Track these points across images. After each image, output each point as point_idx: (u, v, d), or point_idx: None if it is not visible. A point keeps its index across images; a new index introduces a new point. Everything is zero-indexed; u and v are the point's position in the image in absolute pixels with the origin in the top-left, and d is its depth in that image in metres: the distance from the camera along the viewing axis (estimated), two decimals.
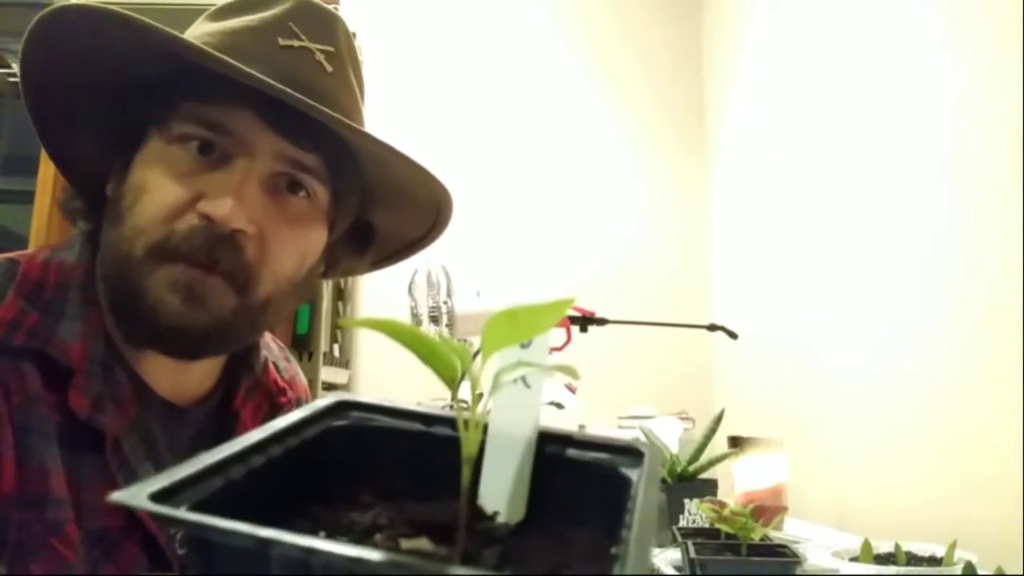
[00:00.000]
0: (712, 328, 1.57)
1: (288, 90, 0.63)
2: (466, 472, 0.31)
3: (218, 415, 0.77)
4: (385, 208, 0.79)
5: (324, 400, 0.38)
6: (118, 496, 0.27)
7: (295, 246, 0.69)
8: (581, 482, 0.34)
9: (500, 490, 0.35)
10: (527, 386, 0.35)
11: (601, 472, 0.35)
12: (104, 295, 0.68)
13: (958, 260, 1.31)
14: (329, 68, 0.70)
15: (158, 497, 0.28)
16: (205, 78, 0.64)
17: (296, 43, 0.69)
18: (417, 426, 0.38)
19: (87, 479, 0.64)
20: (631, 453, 0.35)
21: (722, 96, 2.51)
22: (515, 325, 0.31)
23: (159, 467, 0.69)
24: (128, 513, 0.65)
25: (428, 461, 0.36)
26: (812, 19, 1.89)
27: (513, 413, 0.35)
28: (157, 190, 0.65)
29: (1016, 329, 1.14)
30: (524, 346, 0.35)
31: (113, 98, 0.69)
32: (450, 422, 0.37)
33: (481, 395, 0.32)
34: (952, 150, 1.33)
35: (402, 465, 0.36)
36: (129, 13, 0.62)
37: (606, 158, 2.62)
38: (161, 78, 0.67)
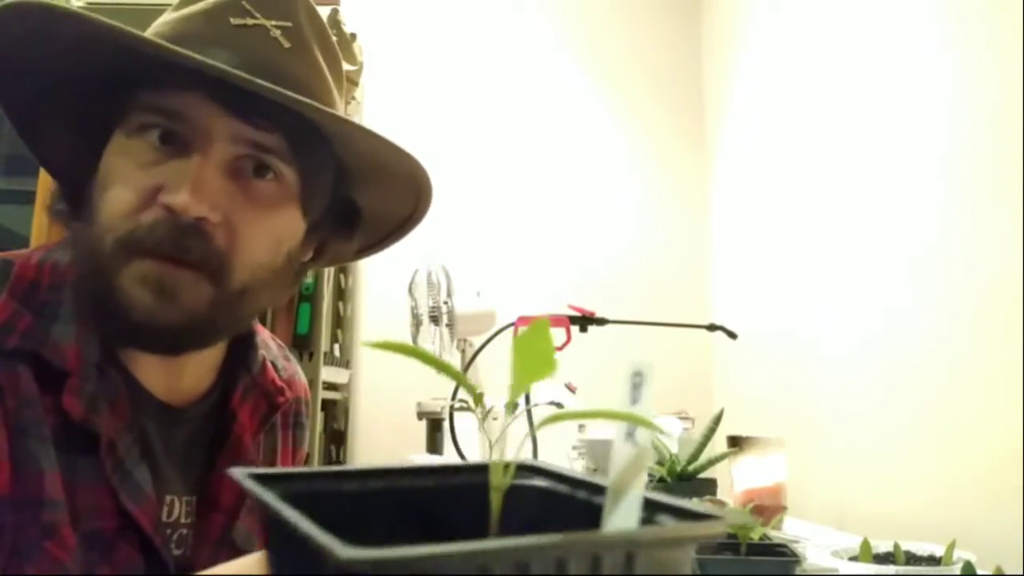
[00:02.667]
0: (712, 328, 1.57)
1: (232, 70, 0.61)
2: (495, 499, 0.34)
3: (215, 415, 0.76)
4: (364, 186, 0.77)
5: (507, 460, 0.36)
6: (232, 471, 0.33)
7: (266, 230, 0.68)
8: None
9: None
10: (636, 443, 0.35)
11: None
12: (78, 294, 0.67)
13: (959, 261, 1.31)
14: (287, 44, 0.68)
15: (258, 478, 0.31)
16: (157, 68, 0.63)
17: (250, 21, 0.67)
18: (563, 488, 0.38)
19: (82, 481, 0.64)
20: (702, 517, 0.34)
21: (722, 95, 2.51)
22: (528, 362, 0.33)
23: (154, 468, 0.69)
24: (123, 515, 0.65)
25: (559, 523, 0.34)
26: (812, 17, 1.89)
27: (625, 469, 0.34)
28: (119, 184, 0.64)
29: (1016, 330, 1.14)
30: (634, 401, 0.35)
31: (78, 97, 0.69)
32: (587, 486, 0.37)
33: (481, 395, 0.33)
34: (952, 149, 1.33)
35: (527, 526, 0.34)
36: (76, 9, 0.62)
37: (606, 158, 2.62)
38: (118, 73, 0.66)
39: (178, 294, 0.64)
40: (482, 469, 0.36)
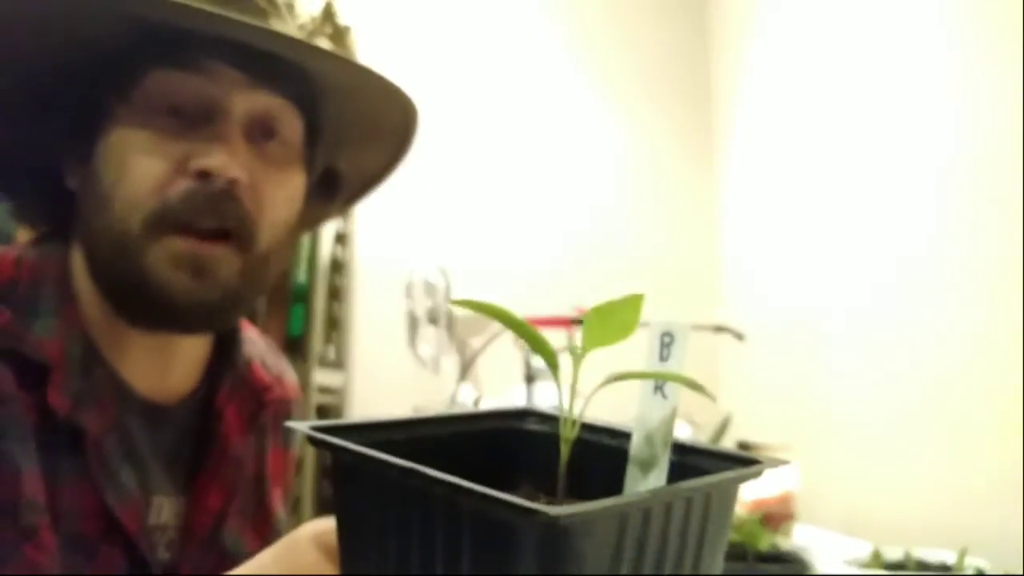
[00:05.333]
0: (718, 330, 1.55)
1: (272, 29, 0.63)
2: (564, 450, 0.37)
3: (200, 414, 0.75)
4: (348, 146, 0.78)
5: (511, 405, 0.45)
6: (292, 424, 0.37)
7: (282, 190, 0.69)
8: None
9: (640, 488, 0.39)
10: (664, 397, 0.38)
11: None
12: (99, 286, 0.66)
13: (975, 266, 1.29)
14: (264, 5, 0.68)
15: (319, 430, 0.35)
16: (162, 38, 0.63)
17: None
18: (586, 435, 0.42)
19: (65, 481, 0.62)
20: (746, 461, 0.40)
21: (730, 95, 2.50)
22: (604, 323, 0.36)
23: (140, 468, 0.67)
24: (108, 516, 0.64)
25: (584, 466, 0.40)
26: (821, 10, 1.88)
27: (652, 421, 0.38)
28: (142, 160, 0.63)
29: None
30: (664, 358, 0.39)
31: (59, 79, 0.66)
32: (609, 432, 0.42)
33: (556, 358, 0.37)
34: (958, 149, 1.32)
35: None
36: None
37: (610, 157, 2.60)
38: (113, 47, 0.64)
39: (214, 270, 0.64)
40: (486, 416, 0.43)
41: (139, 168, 0.63)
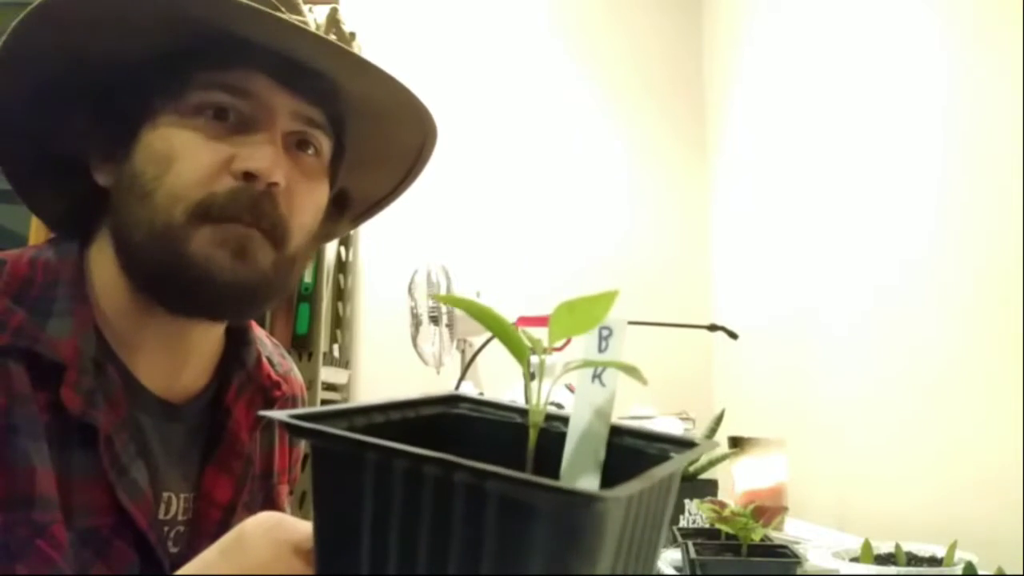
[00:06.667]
0: (712, 328, 1.57)
1: (324, 37, 0.66)
2: (532, 435, 0.40)
3: (211, 412, 0.77)
4: (361, 169, 0.81)
5: (442, 392, 0.47)
6: (265, 413, 0.38)
7: (313, 200, 0.73)
8: (643, 467, 0.38)
9: (577, 472, 0.41)
10: (602, 384, 0.40)
11: (660, 459, 0.42)
12: (135, 277, 0.69)
13: (960, 260, 1.31)
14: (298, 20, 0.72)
15: (296, 417, 0.35)
16: (217, 45, 0.66)
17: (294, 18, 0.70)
18: (517, 418, 0.45)
19: (78, 477, 0.64)
20: (685, 444, 0.43)
21: (722, 94, 2.50)
22: (574, 316, 0.37)
23: (151, 464, 0.69)
24: (119, 512, 0.65)
25: (523, 448, 0.41)
26: (812, 13, 1.89)
27: (590, 407, 0.40)
28: (190, 155, 0.67)
29: (1017, 330, 1.14)
30: (602, 350, 0.41)
31: (108, 80, 0.69)
32: (558, 419, 0.43)
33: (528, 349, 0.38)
34: (948, 146, 1.33)
35: (501, 451, 0.40)
36: None
37: (605, 157, 2.62)
38: (170, 50, 0.68)
39: (254, 254, 0.67)
40: (423, 403, 0.45)
41: (185, 163, 0.66)
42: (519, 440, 0.41)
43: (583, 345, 0.41)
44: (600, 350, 0.41)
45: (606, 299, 0.37)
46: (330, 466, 0.35)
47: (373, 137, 0.78)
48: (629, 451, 0.42)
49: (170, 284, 0.67)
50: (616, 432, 0.43)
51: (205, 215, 0.66)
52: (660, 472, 0.36)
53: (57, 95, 0.70)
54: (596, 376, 0.40)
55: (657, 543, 0.39)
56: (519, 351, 0.39)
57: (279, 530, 0.54)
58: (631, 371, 0.38)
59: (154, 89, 0.69)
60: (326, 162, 0.75)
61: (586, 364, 0.40)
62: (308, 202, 0.72)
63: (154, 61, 0.68)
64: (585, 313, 0.38)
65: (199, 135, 0.67)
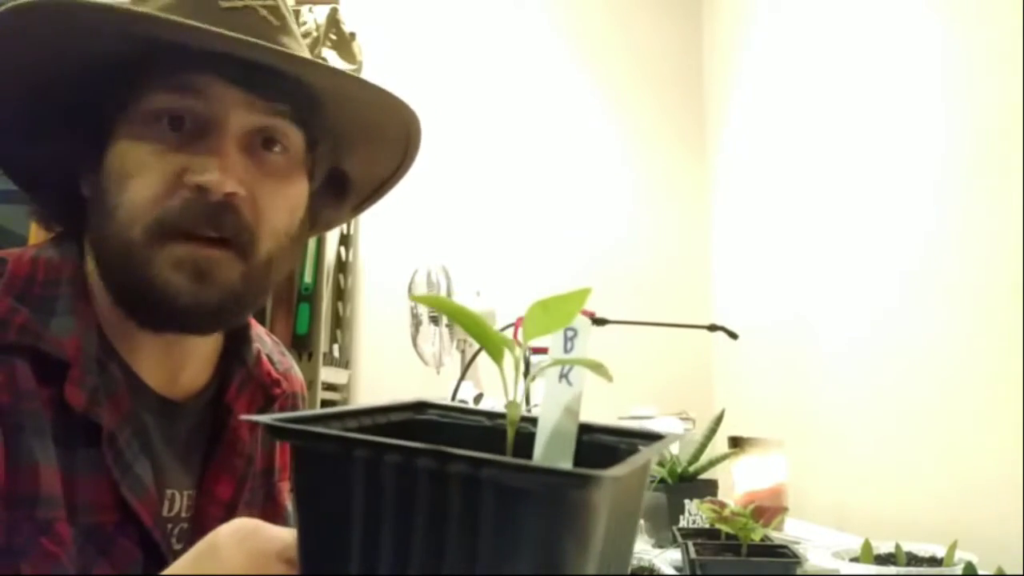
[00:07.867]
0: (712, 328, 1.57)
1: (264, 43, 0.64)
2: (510, 432, 0.40)
3: (212, 410, 0.77)
4: (356, 150, 0.80)
5: (408, 398, 0.48)
6: (246, 416, 0.37)
7: (283, 201, 0.71)
8: (612, 461, 0.38)
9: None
10: (569, 384, 0.41)
11: (629, 453, 0.43)
12: (109, 289, 0.68)
13: (960, 260, 1.31)
14: (276, 22, 0.71)
15: (276, 421, 0.35)
16: (165, 54, 0.65)
17: (238, 3, 0.69)
18: (485, 421, 0.47)
19: (81, 474, 0.64)
20: (651, 437, 0.44)
21: (722, 94, 2.50)
22: (548, 314, 0.38)
23: (154, 461, 0.69)
24: (123, 509, 0.65)
25: (493, 450, 0.41)
26: (812, 15, 1.89)
27: (558, 406, 0.41)
28: (141, 172, 0.65)
29: (1017, 330, 1.14)
30: (568, 350, 0.41)
31: (70, 94, 0.69)
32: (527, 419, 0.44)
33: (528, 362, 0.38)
34: (948, 147, 1.33)
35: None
36: (102, 1, 0.64)
37: (606, 157, 2.62)
38: (119, 62, 0.67)
39: (214, 273, 0.66)
40: (392, 409, 0.46)
41: (139, 180, 0.65)
42: (487, 443, 0.40)
43: (550, 345, 0.42)
44: (566, 350, 0.42)
45: (579, 297, 0.38)
46: (315, 467, 0.35)
47: (350, 118, 0.76)
48: (599, 447, 0.43)
49: (136, 302, 0.67)
50: (586, 430, 0.43)
51: (162, 232, 0.65)
52: (641, 458, 0.37)
53: (37, 113, 0.70)
54: (563, 376, 0.41)
55: (633, 535, 0.40)
56: (495, 350, 0.39)
57: (255, 538, 0.53)
58: (598, 368, 0.38)
59: (113, 103, 0.68)
60: (298, 155, 0.72)
61: (555, 363, 0.41)
62: (278, 203, 0.70)
63: (110, 75, 0.67)
64: (559, 311, 0.38)
65: (151, 148, 0.66)
